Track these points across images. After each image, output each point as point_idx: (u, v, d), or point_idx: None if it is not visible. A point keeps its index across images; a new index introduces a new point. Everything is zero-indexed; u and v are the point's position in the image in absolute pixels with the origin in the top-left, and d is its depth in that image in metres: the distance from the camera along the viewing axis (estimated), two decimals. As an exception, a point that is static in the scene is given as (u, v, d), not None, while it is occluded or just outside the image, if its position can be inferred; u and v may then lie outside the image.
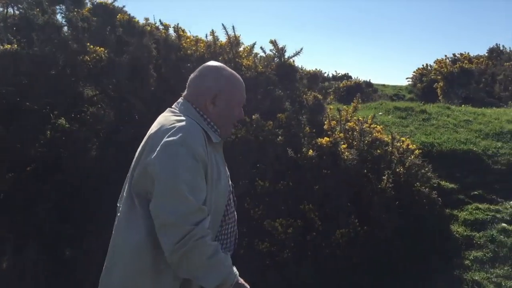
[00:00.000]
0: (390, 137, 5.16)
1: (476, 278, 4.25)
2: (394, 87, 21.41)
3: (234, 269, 1.82)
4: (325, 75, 18.47)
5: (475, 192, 5.54)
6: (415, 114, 7.57)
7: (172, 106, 1.97)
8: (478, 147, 6.30)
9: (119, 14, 5.48)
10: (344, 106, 5.73)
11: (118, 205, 1.96)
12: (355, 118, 5.54)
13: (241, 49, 5.86)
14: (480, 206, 5.30)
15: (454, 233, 4.86)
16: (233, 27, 5.56)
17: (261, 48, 6.09)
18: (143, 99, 5.04)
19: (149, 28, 5.66)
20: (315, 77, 6.30)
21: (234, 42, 5.65)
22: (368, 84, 17.19)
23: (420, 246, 4.62)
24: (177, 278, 1.80)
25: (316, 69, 18.62)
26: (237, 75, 2.03)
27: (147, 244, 1.76)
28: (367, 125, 5.32)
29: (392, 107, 7.91)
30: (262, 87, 5.47)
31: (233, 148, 4.58)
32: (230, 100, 1.96)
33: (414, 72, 18.86)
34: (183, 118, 1.85)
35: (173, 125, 1.80)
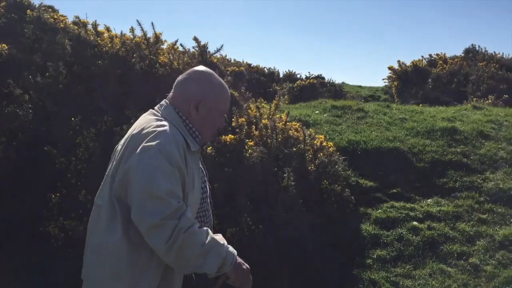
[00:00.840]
0: (302, 134, 5.07)
1: (374, 277, 4.16)
2: (370, 88, 21.42)
3: (231, 248, 1.86)
4: (298, 75, 18.35)
5: (394, 190, 5.47)
6: (351, 113, 7.50)
7: (155, 108, 1.97)
8: (405, 145, 6.24)
9: (28, 10, 5.34)
10: (264, 104, 5.62)
11: (95, 200, 1.95)
12: (277, 116, 5.44)
13: (164, 46, 5.78)
14: (395, 204, 5.22)
15: (363, 231, 4.77)
16: (152, 23, 5.51)
17: (181, 45, 6.01)
18: (54, 95, 4.92)
19: (62, 25, 5.54)
20: (240, 76, 6.18)
21: (153, 39, 5.55)
22: (331, 83, 17.07)
23: (325, 245, 4.52)
24: (157, 273, 1.83)
25: (289, 70, 18.65)
26: (224, 84, 2.02)
27: (123, 244, 1.78)
28: (282, 122, 5.23)
29: (330, 105, 7.83)
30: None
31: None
32: (213, 108, 1.96)
33: (390, 72, 18.84)
34: (164, 123, 1.86)
35: (153, 130, 1.80)
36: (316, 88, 11.32)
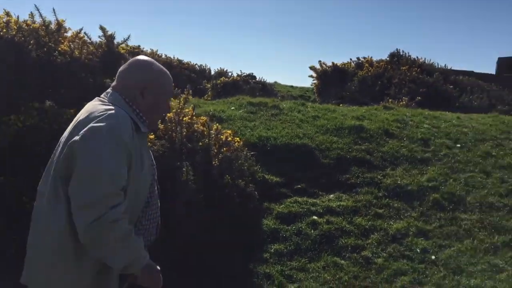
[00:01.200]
0: (207, 129, 5.03)
1: (269, 271, 4.20)
2: (302, 88, 21.81)
3: (145, 253, 1.90)
4: (230, 73, 18.31)
5: (299, 186, 5.56)
6: (266, 110, 7.56)
7: (101, 96, 2.02)
8: (313, 141, 6.37)
9: None
10: (173, 99, 5.51)
11: (38, 188, 1.96)
12: (186, 110, 5.35)
13: (68, 34, 5.52)
14: (299, 199, 5.32)
15: (264, 226, 4.81)
16: (53, 9, 5.26)
17: (86, 33, 5.77)
18: None
19: None
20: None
21: (55, 26, 5.28)
22: (262, 82, 17.19)
23: (225, 240, 4.50)
24: (98, 263, 1.86)
25: (221, 67, 18.55)
26: (166, 70, 2.11)
27: (68, 231, 1.80)
28: (188, 117, 5.15)
29: (246, 102, 7.86)
30: (76, 73, 5.12)
31: (23, 137, 4.24)
32: (158, 94, 2.05)
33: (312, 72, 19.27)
34: (112, 107, 1.90)
35: (102, 113, 1.85)
36: (239, 86, 11.31)
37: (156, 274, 1.96)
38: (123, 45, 5.82)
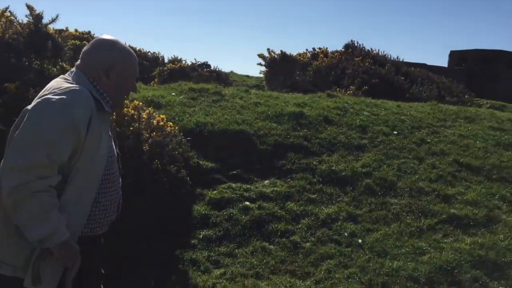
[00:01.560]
0: (137, 113, 4.89)
1: (196, 256, 4.15)
2: (258, 78, 21.76)
3: (64, 231, 1.84)
4: (184, 61, 18.06)
5: (234, 172, 5.51)
6: (208, 96, 7.46)
7: (65, 75, 2.02)
8: (252, 127, 6.33)
9: None
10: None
11: None
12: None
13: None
14: (233, 185, 5.27)
15: (195, 212, 4.74)
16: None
17: (11, 12, 5.51)
18: None
19: None
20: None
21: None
22: (217, 71, 17.04)
23: (154, 227, 4.40)
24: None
25: (174, 55, 18.25)
26: (130, 49, 2.11)
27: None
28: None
29: (188, 88, 7.72)
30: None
31: None
32: (123, 73, 2.06)
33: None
34: (75, 85, 1.91)
35: (62, 90, 1.86)
36: (187, 73, 11.12)
37: (73, 252, 1.89)
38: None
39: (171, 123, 5.31)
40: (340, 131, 6.70)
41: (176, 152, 5.05)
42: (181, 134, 5.54)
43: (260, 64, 12.29)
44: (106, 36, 2.10)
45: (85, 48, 2.08)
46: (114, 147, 2.18)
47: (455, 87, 22.06)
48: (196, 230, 4.54)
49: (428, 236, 4.60)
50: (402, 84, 19.63)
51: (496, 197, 5.35)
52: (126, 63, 2.08)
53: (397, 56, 22.64)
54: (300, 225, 4.72)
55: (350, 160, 5.98)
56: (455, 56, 47.07)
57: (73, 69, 2.06)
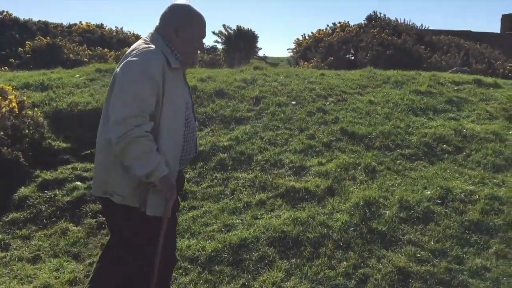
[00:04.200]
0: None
1: None
2: (277, 58, 21.34)
3: (164, 168, 2.28)
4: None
5: (88, 152, 5.29)
6: (109, 76, 7.25)
7: (146, 36, 2.43)
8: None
9: None
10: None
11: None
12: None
13: None
14: (79, 165, 5.08)
15: (17, 194, 4.57)
16: None
17: None
18: None
19: None
20: None
21: None
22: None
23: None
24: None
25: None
26: (199, 12, 2.42)
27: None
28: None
29: (95, 69, 7.55)
30: None
31: None
32: (191, 33, 2.39)
33: (293, 42, 18.96)
34: (150, 45, 2.31)
35: (138, 51, 2.27)
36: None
37: (171, 186, 2.36)
38: None
39: (14, 103, 5.16)
40: (228, 104, 6.31)
41: (21, 134, 4.91)
42: (41, 116, 5.41)
43: (217, 41, 11.93)
44: (178, 1, 2.43)
45: (162, 12, 2.43)
46: (190, 97, 2.57)
47: (488, 53, 20.64)
48: (8, 212, 4.38)
49: (250, 212, 4.20)
50: (421, 53, 18.62)
51: (360, 167, 4.82)
52: (192, 23, 2.40)
53: (421, 24, 21.38)
54: (120, 205, 4.44)
55: (221, 134, 5.60)
56: (507, 19, 43.69)
57: (152, 31, 2.44)
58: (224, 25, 11.68)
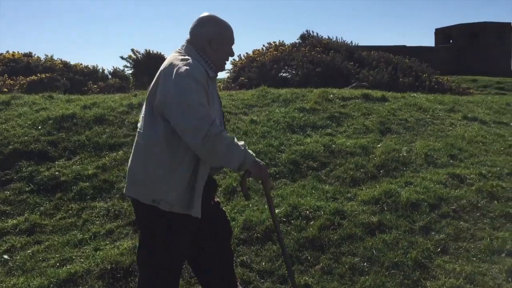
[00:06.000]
0: None
1: None
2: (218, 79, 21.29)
3: (250, 153, 2.44)
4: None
5: None
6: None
7: (178, 49, 2.55)
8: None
9: None
10: None
11: (138, 124, 2.58)
12: None
13: None
14: None
15: None
16: None
17: None
18: None
19: None
20: None
21: None
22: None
23: None
24: (189, 169, 2.42)
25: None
26: (227, 22, 2.59)
27: (162, 142, 2.36)
28: None
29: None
30: None
31: None
32: (223, 42, 2.55)
33: (231, 63, 18.94)
34: (188, 57, 2.44)
35: (181, 62, 2.39)
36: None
37: (264, 167, 2.53)
38: None
39: None
40: (106, 130, 6.18)
41: None
42: None
43: (125, 66, 11.80)
44: (206, 13, 2.58)
45: (191, 25, 2.57)
46: (220, 104, 2.68)
47: (416, 67, 21.43)
48: None
49: (94, 243, 4.07)
50: (350, 69, 19.15)
51: (220, 189, 4.80)
52: (224, 33, 2.56)
53: (351, 41, 22.23)
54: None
55: (89, 162, 5.46)
56: (440, 33, 45.65)
57: (184, 43, 2.57)
58: (132, 49, 11.60)
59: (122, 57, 11.76)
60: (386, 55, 21.43)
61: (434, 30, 46.90)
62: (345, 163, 5.36)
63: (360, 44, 23.46)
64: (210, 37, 2.51)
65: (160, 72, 2.46)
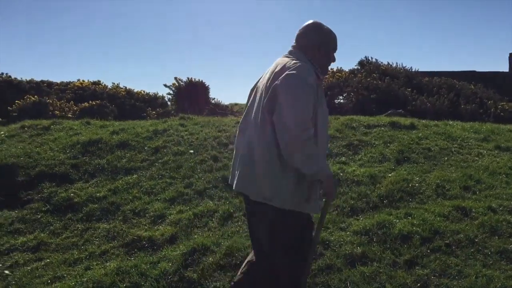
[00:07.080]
0: None
1: None
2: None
3: (327, 169, 2.50)
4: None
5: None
6: (34, 130, 7.59)
7: (287, 54, 2.69)
8: (29, 159, 6.34)
9: None
10: None
11: (239, 127, 2.75)
12: None
13: None
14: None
15: None
16: None
17: None
18: None
19: None
20: None
21: None
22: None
23: None
24: (297, 174, 2.47)
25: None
26: (331, 29, 2.74)
27: (274, 145, 2.44)
28: None
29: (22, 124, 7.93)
30: None
31: None
32: (329, 48, 2.71)
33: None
34: (298, 61, 2.55)
35: (293, 65, 2.49)
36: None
37: (335, 185, 2.56)
38: None
39: None
40: (126, 155, 6.51)
41: None
42: None
43: (169, 94, 12.32)
44: (312, 21, 2.74)
45: (298, 32, 2.73)
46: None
47: (481, 93, 20.57)
48: None
49: (87, 263, 4.29)
50: (407, 96, 18.76)
51: (217, 214, 4.90)
52: (331, 40, 2.72)
53: (411, 67, 21.86)
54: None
55: (103, 185, 5.78)
56: None
57: (291, 49, 2.72)
58: (175, 78, 12.14)
59: (165, 85, 12.35)
60: (449, 81, 20.67)
61: (508, 54, 44.60)
62: (348, 192, 5.28)
63: (424, 69, 22.82)
64: (318, 43, 2.66)
65: (270, 73, 2.58)
